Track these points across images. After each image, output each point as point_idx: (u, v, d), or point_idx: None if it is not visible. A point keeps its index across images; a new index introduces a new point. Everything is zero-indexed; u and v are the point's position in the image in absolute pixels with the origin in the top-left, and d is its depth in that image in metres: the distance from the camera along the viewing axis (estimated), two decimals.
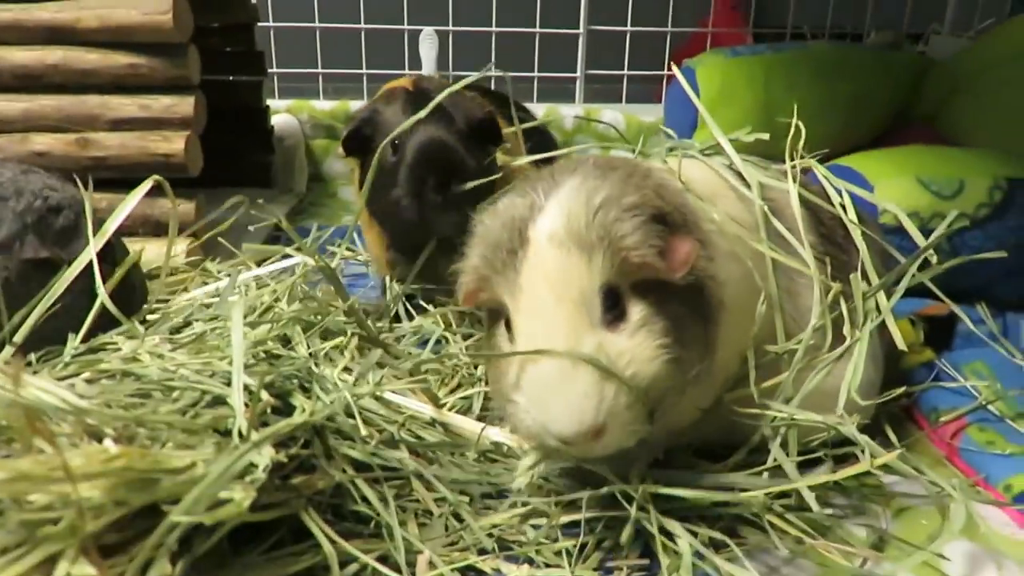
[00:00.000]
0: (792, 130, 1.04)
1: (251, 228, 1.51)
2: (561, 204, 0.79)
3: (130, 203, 1.01)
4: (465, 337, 1.21)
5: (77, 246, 1.03)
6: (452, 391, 1.02)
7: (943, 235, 0.96)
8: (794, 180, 0.96)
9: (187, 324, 1.11)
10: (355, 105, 2.27)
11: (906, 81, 2.22)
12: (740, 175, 0.99)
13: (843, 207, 1.02)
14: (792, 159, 1.01)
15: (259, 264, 1.52)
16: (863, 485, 0.94)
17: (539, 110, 2.26)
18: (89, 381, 0.85)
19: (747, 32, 2.79)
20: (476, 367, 1.07)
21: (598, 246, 0.76)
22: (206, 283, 1.38)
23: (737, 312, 0.87)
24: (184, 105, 1.46)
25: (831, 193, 1.04)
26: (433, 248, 1.22)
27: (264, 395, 0.75)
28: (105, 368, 0.88)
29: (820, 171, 1.06)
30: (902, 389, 0.98)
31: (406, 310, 1.31)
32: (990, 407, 1.09)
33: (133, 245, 1.23)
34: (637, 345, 0.76)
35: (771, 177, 0.97)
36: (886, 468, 0.88)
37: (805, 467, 0.89)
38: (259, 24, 2.03)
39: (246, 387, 0.72)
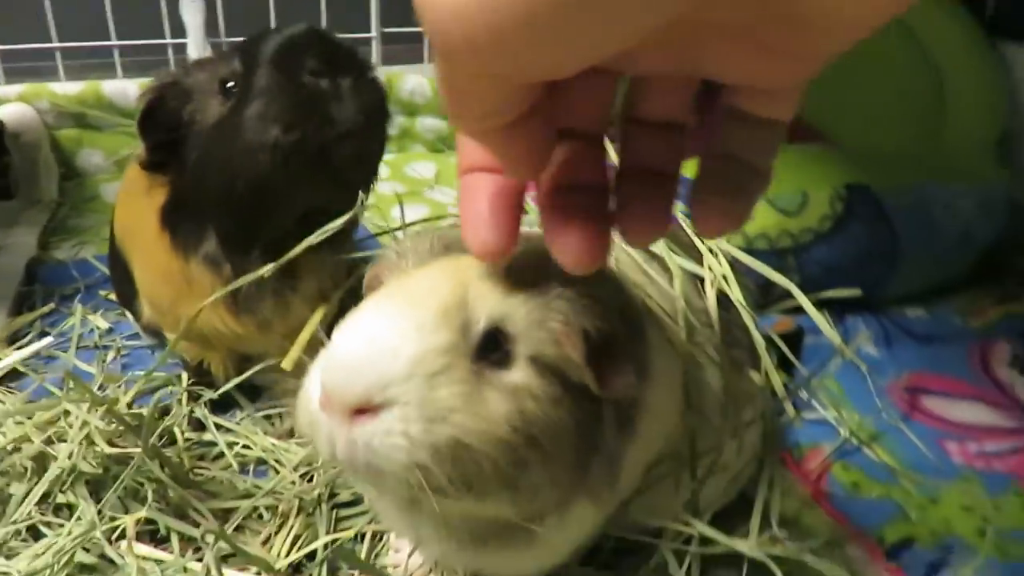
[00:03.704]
0: None
1: None
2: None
3: None
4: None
5: None
6: (290, 549, 0.83)
7: None
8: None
9: None
10: (108, 86, 1.88)
11: None
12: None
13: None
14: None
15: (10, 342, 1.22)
16: None
17: None
18: None
19: None
20: (318, 505, 0.88)
21: (523, 287, 0.58)
22: None
23: (656, 424, 0.71)
24: None
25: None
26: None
27: None
28: None
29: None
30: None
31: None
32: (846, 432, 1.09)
33: None
34: (495, 396, 0.55)
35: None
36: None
37: None
38: None
39: None
